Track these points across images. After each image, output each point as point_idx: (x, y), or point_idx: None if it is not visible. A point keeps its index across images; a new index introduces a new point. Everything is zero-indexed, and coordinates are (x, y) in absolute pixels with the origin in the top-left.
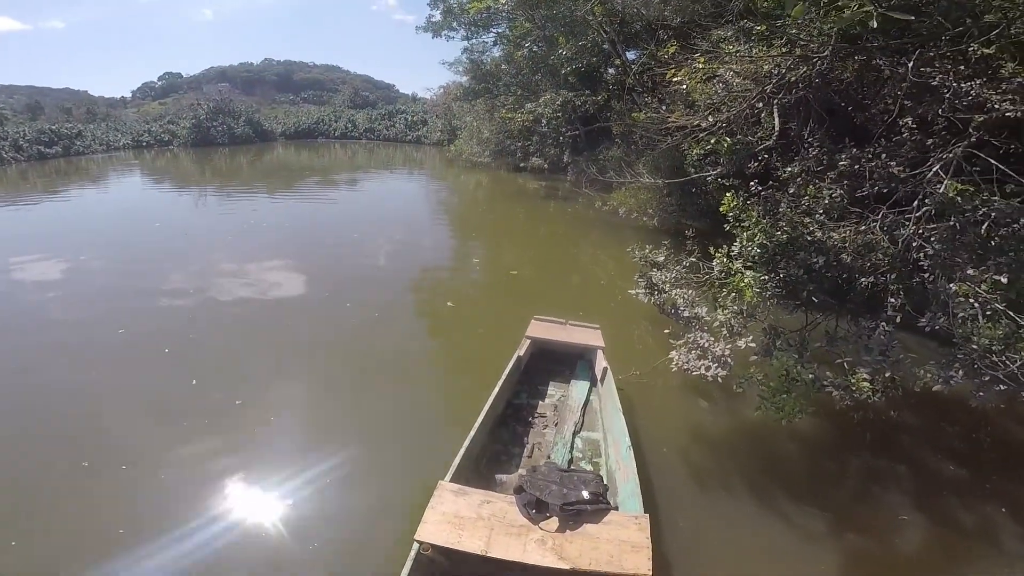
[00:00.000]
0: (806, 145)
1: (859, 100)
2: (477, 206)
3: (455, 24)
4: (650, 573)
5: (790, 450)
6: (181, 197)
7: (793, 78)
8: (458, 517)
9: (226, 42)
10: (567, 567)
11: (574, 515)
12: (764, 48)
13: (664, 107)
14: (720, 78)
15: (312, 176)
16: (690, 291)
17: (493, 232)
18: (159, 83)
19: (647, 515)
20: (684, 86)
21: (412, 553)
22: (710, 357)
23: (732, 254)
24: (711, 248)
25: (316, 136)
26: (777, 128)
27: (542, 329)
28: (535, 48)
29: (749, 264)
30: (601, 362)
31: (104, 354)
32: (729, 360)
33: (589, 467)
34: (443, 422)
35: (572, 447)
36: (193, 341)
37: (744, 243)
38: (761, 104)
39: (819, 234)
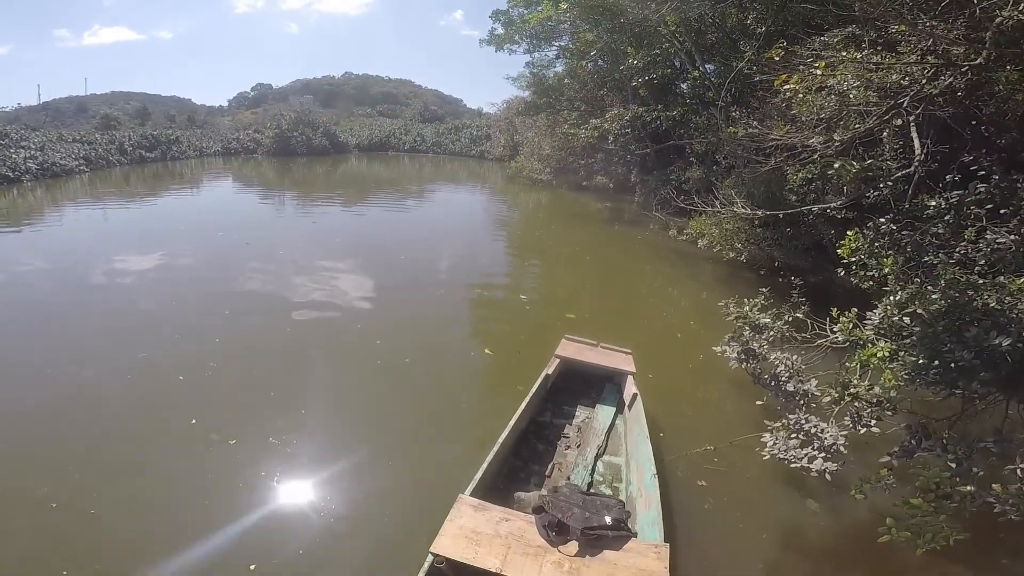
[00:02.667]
0: (976, 173)
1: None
2: (536, 226)
3: (517, 37)
4: None
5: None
6: (263, 203)
7: (934, 90)
8: (475, 532)
9: (310, 56)
10: None
11: (594, 540)
12: (886, 55)
13: (759, 122)
14: (832, 89)
15: (382, 188)
16: (795, 356)
17: (551, 256)
18: (252, 93)
19: (667, 544)
20: (793, 95)
21: (426, 565)
22: (817, 446)
23: (863, 319)
24: (832, 310)
25: (387, 149)
26: (919, 151)
27: (573, 349)
28: (600, 61)
29: (885, 332)
30: (630, 388)
31: (198, 336)
32: (843, 449)
33: (608, 491)
34: (467, 437)
35: (593, 470)
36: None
37: (889, 311)
38: (899, 121)
39: (994, 300)
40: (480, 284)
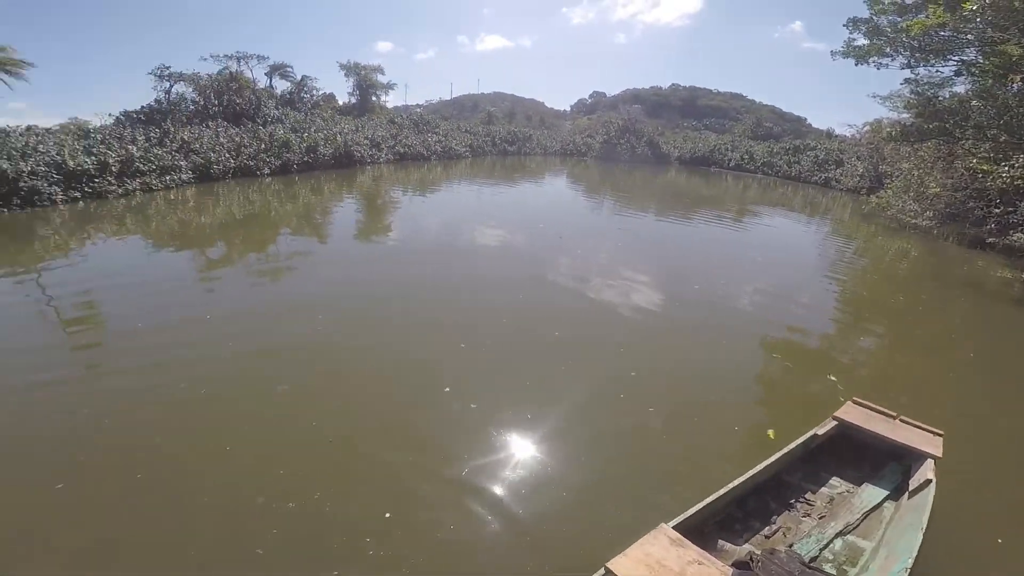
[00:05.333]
0: None
1: None
2: (891, 285)
3: (888, 49)
4: None
5: None
6: (583, 203)
7: None
8: (660, 564)
9: (638, 66)
10: None
11: None
12: None
13: None
14: None
15: (698, 205)
16: None
17: (901, 333)
18: (589, 100)
19: None
20: None
21: (596, 575)
22: None
23: None
24: None
25: (710, 164)
26: None
27: (859, 415)
28: None
29: None
30: (926, 472)
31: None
32: None
33: (834, 572)
34: (700, 473)
35: (827, 546)
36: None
37: None
38: None
39: None
40: (783, 339)
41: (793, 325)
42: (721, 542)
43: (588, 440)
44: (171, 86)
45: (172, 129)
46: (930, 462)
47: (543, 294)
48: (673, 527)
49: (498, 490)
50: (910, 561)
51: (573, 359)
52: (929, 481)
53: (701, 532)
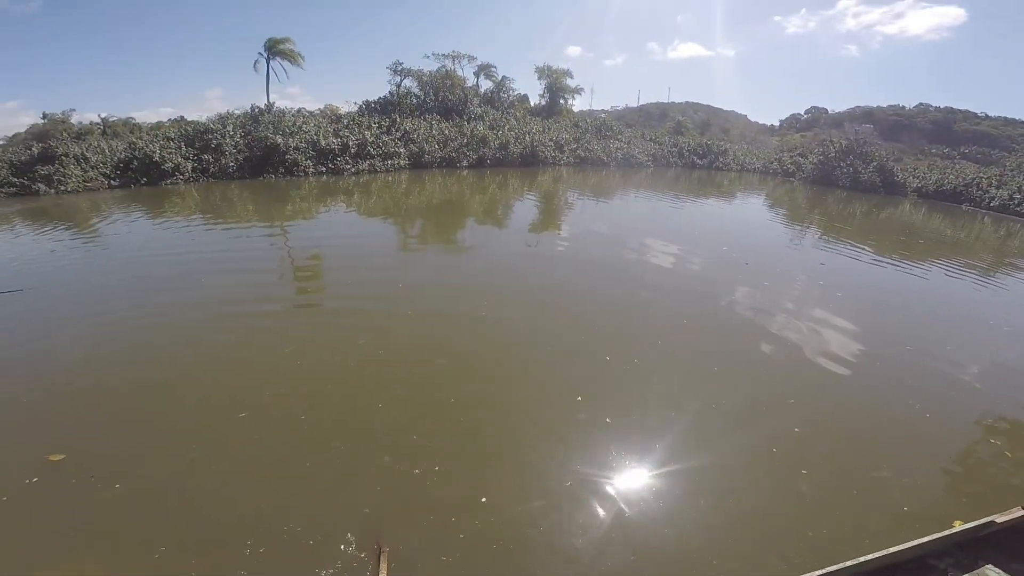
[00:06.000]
0: None
1: None
2: None
3: None
4: None
5: None
6: (780, 229)
7: None
8: None
9: (875, 81)
10: None
11: None
12: None
13: None
14: None
15: (938, 248)
16: None
17: None
18: (805, 116)
19: None
20: None
21: None
22: None
23: None
24: None
25: (962, 201)
26: None
27: None
28: None
29: None
30: None
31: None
32: None
33: None
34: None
35: None
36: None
37: None
38: None
39: None
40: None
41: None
42: None
43: (723, 489)
44: (401, 80)
45: (398, 120)
46: None
47: (710, 323)
48: None
49: (599, 494)
50: None
51: (726, 401)
52: None
53: None
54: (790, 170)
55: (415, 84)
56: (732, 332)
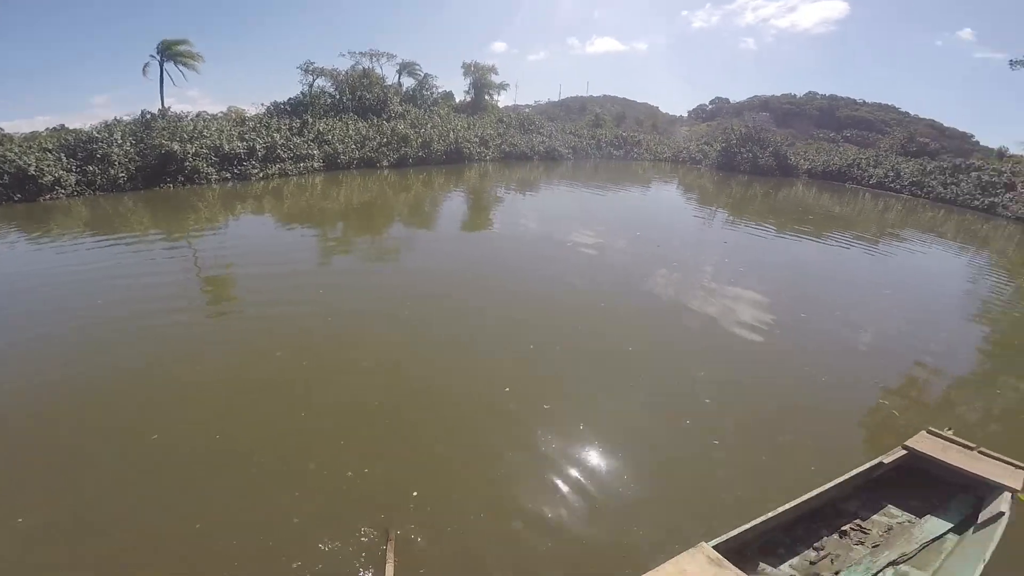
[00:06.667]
0: None
1: None
2: None
3: None
4: None
5: None
6: (689, 212)
7: None
8: None
9: (769, 72)
10: None
11: None
12: None
13: None
14: None
15: (829, 225)
16: None
17: None
18: (710, 106)
19: None
20: None
21: None
22: None
23: None
24: None
25: (845, 180)
26: None
27: (932, 446)
28: None
29: None
30: (1000, 505)
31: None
32: None
33: None
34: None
35: (876, 575)
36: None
37: None
38: None
39: None
40: (896, 382)
41: (912, 369)
42: (762, 565)
43: (645, 455)
44: (314, 80)
45: (311, 120)
46: (1006, 495)
47: (630, 302)
48: (713, 547)
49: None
50: None
51: (641, 372)
52: (1002, 514)
53: (742, 554)
54: (698, 158)
55: (329, 83)
56: (646, 312)
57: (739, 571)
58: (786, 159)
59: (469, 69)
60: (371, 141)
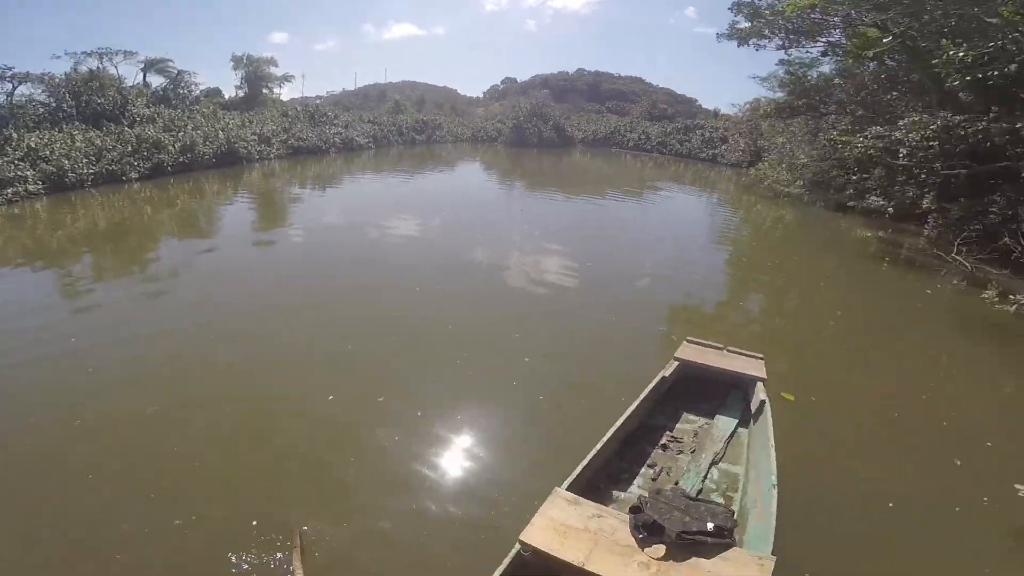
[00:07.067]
0: None
1: None
2: (769, 250)
3: (767, 31)
4: None
5: None
6: (495, 185)
7: None
8: (565, 525)
9: (547, 52)
10: None
11: (689, 545)
12: None
13: None
14: None
15: (603, 184)
16: None
17: (779, 296)
18: (501, 86)
19: (774, 558)
20: None
21: (512, 552)
22: None
23: None
24: None
25: (611, 145)
26: None
27: (695, 352)
28: (889, 61)
29: None
30: (759, 394)
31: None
32: None
33: (721, 500)
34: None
35: (706, 477)
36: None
37: None
38: None
39: None
40: (679, 306)
41: (683, 296)
42: (615, 493)
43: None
44: (14, 87)
45: (15, 136)
46: (760, 384)
47: (448, 281)
48: (567, 488)
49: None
50: (774, 478)
51: (466, 346)
52: (763, 402)
53: (596, 488)
54: (494, 136)
55: (40, 91)
56: (463, 290)
57: (597, 504)
58: (565, 131)
59: (240, 62)
60: (111, 152)
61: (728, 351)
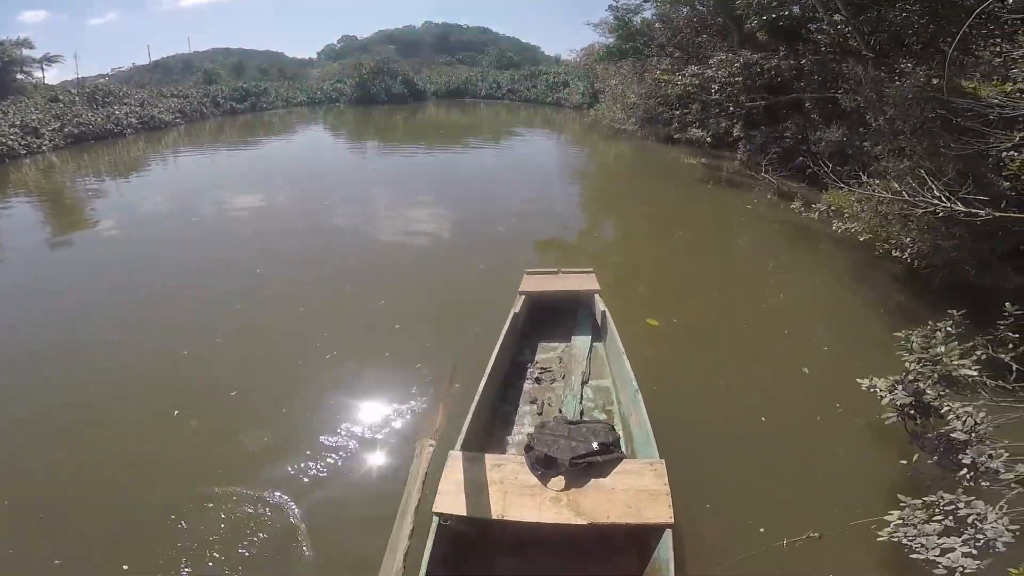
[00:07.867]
0: None
1: None
2: (614, 181)
3: None
4: (672, 520)
5: None
6: (344, 145)
7: None
8: (472, 484)
9: (391, 7)
10: (585, 522)
11: (584, 468)
12: None
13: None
14: None
15: (459, 135)
16: (981, 414)
17: (628, 223)
18: (339, 46)
19: (663, 460)
20: None
21: (433, 525)
22: (966, 537)
23: None
24: None
25: (464, 96)
26: None
27: (535, 282)
28: (699, 6)
29: None
30: (599, 306)
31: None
32: (1001, 547)
33: (602, 416)
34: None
35: (582, 398)
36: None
37: None
38: None
39: None
40: (545, 239)
41: (550, 230)
42: (509, 437)
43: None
44: None
45: None
46: (597, 296)
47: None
48: (460, 449)
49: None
50: (634, 383)
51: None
52: (604, 312)
53: (494, 436)
54: (334, 96)
55: None
56: (317, 252)
57: (495, 454)
58: (415, 85)
59: None
60: None
61: (562, 273)
